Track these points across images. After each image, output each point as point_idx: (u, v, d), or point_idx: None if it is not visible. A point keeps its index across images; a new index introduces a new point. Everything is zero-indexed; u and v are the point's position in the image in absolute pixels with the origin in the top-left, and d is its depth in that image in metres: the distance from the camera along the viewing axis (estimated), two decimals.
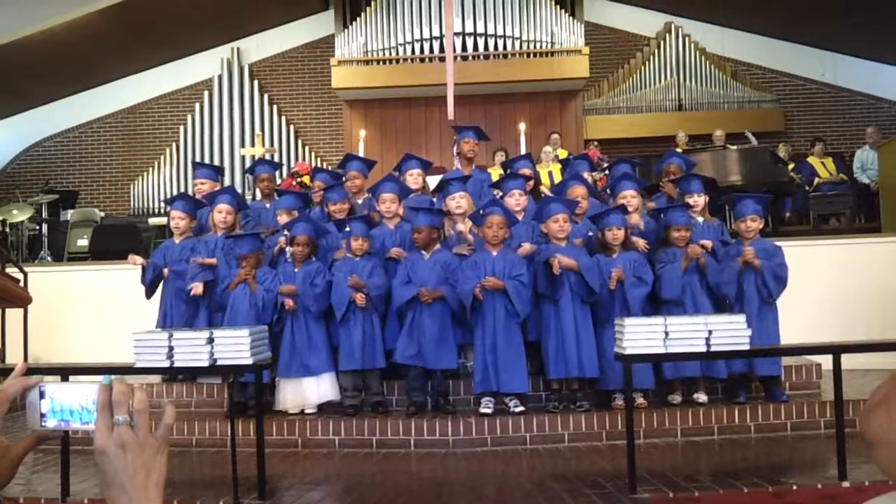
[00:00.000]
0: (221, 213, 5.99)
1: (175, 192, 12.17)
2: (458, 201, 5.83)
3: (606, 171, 8.02)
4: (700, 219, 5.87)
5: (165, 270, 5.98)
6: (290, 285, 5.47)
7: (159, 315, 6.11)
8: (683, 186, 5.99)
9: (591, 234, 5.73)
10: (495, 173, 8.55)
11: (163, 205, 12.68)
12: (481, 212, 5.49)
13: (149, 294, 6.14)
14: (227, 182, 11.64)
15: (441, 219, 5.72)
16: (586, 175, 6.42)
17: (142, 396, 1.01)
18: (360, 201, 6.31)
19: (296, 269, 5.58)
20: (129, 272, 7.66)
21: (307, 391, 5.51)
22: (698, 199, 5.84)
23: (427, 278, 5.43)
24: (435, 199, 6.28)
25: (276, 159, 11.59)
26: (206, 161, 12.67)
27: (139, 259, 6.06)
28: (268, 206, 6.58)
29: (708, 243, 5.56)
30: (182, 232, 6.12)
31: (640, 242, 5.58)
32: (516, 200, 5.84)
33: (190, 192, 10.77)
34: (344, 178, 6.48)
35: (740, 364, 5.38)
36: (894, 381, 0.95)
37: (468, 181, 6.18)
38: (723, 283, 5.39)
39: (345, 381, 5.54)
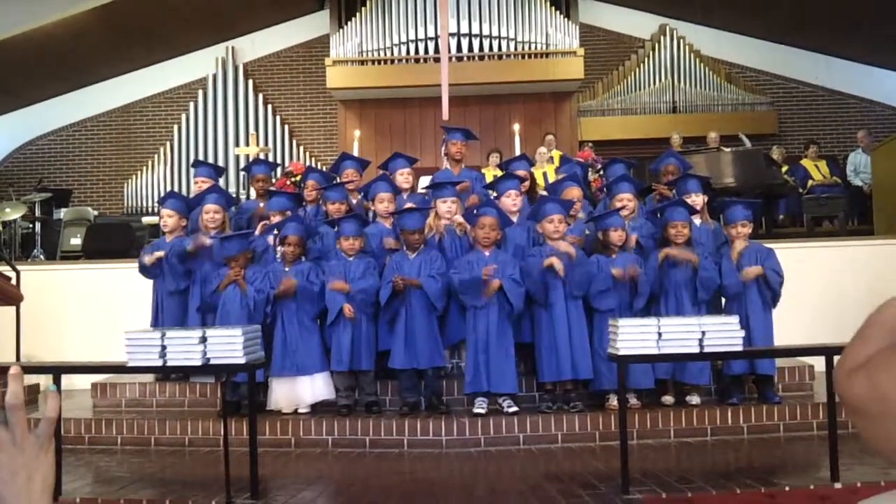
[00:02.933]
0: (209, 213, 6.01)
1: (169, 192, 12.15)
2: (450, 205, 5.82)
3: (601, 172, 8.03)
4: (697, 221, 5.86)
5: (161, 253, 5.92)
6: (291, 280, 5.45)
7: (152, 316, 6.11)
8: (681, 186, 5.98)
9: (587, 233, 5.73)
10: (489, 174, 8.58)
11: (156, 204, 12.66)
12: (475, 211, 5.49)
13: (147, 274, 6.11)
14: (222, 182, 11.61)
15: (425, 217, 5.70)
16: None
17: (15, 390, 0.88)
18: (353, 201, 6.31)
19: (286, 269, 5.57)
20: (122, 271, 7.65)
21: (301, 391, 5.50)
22: (696, 199, 5.82)
23: (414, 277, 5.44)
24: (428, 196, 6.29)
25: (271, 159, 11.57)
26: (200, 160, 12.64)
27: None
28: (261, 205, 6.57)
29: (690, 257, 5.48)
30: (171, 230, 6.11)
31: (632, 238, 5.58)
32: (513, 201, 5.84)
33: (184, 191, 10.77)
34: (339, 178, 6.48)
35: (739, 365, 5.39)
36: (873, 340, 0.85)
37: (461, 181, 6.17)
38: (729, 285, 5.41)
39: (338, 382, 5.54)
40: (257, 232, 5.95)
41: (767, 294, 5.43)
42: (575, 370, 5.27)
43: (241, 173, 11.53)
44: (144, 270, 6.07)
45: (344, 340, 5.42)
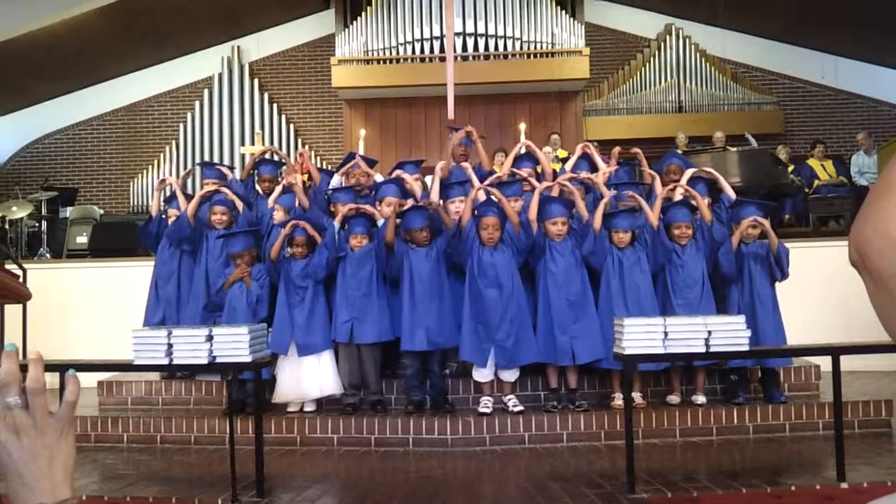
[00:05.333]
0: (217, 215, 6.05)
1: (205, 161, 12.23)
2: (458, 206, 5.81)
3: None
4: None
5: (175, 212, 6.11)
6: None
7: (147, 304, 6.19)
8: None
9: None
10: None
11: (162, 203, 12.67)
12: (474, 213, 5.49)
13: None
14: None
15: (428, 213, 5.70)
16: (585, 175, 6.39)
17: (36, 375, 0.90)
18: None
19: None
20: (127, 270, 7.68)
21: (308, 384, 5.47)
22: (700, 201, 5.81)
23: (422, 269, 5.44)
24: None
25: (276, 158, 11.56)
26: (206, 159, 12.67)
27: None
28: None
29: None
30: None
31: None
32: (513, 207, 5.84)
33: (189, 190, 10.76)
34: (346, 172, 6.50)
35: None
36: None
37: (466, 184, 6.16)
38: (725, 265, 5.43)
39: (344, 379, 5.53)
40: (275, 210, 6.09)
41: (778, 273, 5.43)
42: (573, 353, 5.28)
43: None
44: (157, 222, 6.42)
45: (342, 314, 5.43)
